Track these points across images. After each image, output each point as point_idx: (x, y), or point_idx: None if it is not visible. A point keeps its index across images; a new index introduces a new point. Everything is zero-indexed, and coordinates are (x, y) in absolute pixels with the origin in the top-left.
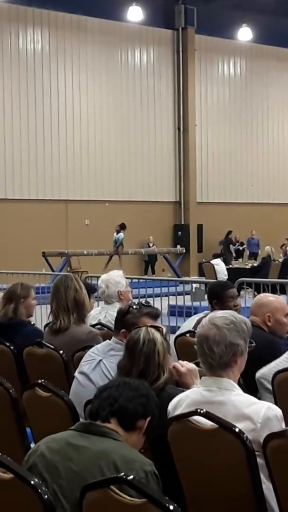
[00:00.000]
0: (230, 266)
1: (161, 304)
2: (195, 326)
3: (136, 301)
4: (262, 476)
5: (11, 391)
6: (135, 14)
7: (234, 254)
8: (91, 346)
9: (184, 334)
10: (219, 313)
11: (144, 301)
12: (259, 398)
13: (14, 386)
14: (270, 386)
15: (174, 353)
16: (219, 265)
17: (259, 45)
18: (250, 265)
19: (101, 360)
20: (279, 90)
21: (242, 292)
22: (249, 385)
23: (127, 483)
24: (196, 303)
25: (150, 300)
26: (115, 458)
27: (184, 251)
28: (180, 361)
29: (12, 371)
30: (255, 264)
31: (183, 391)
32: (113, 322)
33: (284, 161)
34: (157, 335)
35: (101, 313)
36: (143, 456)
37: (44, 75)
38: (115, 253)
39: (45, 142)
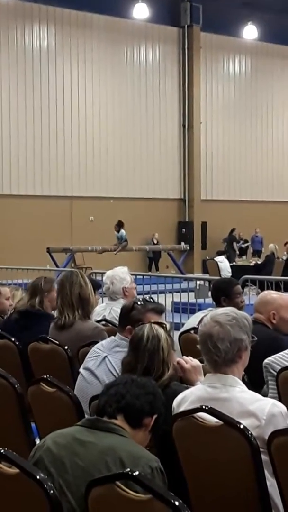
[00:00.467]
0: (234, 263)
1: (165, 301)
2: (200, 323)
3: (140, 297)
4: (266, 472)
5: (16, 386)
6: (141, 11)
7: (237, 252)
8: (96, 342)
9: (188, 331)
10: (220, 310)
11: (148, 297)
12: (266, 384)
13: (19, 381)
14: (274, 373)
15: (179, 349)
16: (223, 262)
17: (264, 43)
18: (254, 262)
19: (106, 356)
20: (284, 88)
21: (246, 289)
22: (253, 382)
23: (133, 479)
24: (200, 300)
25: (154, 296)
26: (121, 454)
27: (188, 248)
28: (185, 357)
29: (17, 366)
30: (259, 262)
31: (187, 387)
32: (117, 319)
33: None
34: (161, 331)
35: (106, 309)
36: (149, 453)
37: (50, 71)
38: (120, 249)
39: (50, 138)
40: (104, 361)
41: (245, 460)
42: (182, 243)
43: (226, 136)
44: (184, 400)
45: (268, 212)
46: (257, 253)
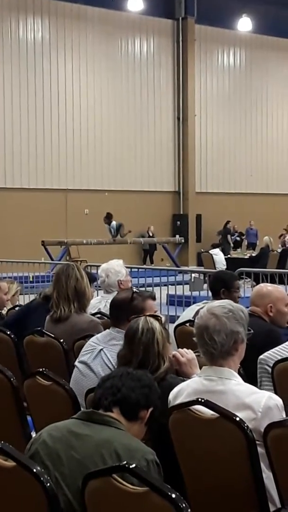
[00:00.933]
0: (229, 256)
1: (160, 294)
2: (195, 316)
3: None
4: (262, 465)
5: (12, 379)
6: (135, 3)
7: (232, 244)
8: (92, 335)
9: (183, 323)
10: (216, 302)
11: (134, 289)
12: (260, 380)
13: (14, 374)
14: (270, 369)
15: (174, 342)
16: (218, 255)
17: (259, 35)
18: (248, 255)
19: (101, 349)
20: (278, 81)
21: (240, 282)
22: (249, 374)
23: (129, 472)
24: (195, 293)
25: (149, 289)
26: (117, 446)
27: (182, 241)
28: (180, 350)
29: (12, 359)
30: (253, 254)
31: (183, 380)
32: None
33: (283, 152)
34: (156, 324)
35: (101, 302)
36: (144, 445)
37: (44, 64)
38: (118, 240)
39: (45, 131)
40: (99, 354)
41: (241, 453)
42: (177, 236)
43: (221, 128)
44: (180, 393)
45: (263, 204)
46: (251, 246)
